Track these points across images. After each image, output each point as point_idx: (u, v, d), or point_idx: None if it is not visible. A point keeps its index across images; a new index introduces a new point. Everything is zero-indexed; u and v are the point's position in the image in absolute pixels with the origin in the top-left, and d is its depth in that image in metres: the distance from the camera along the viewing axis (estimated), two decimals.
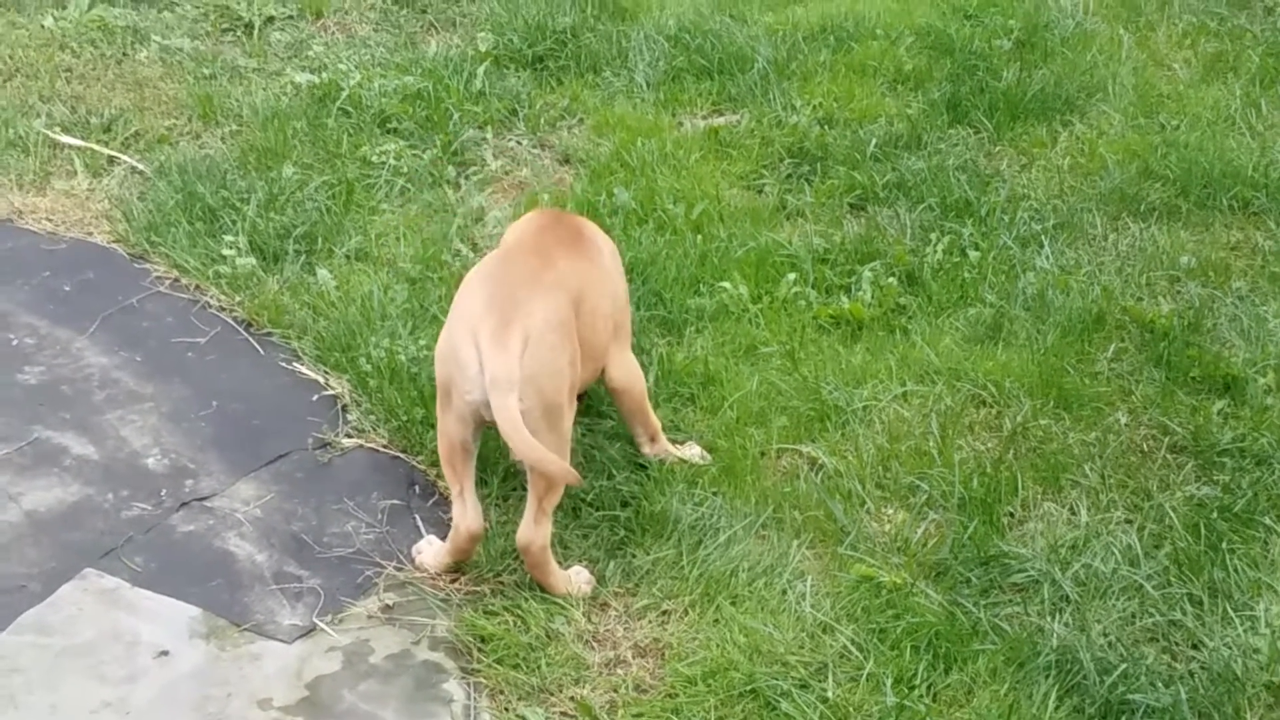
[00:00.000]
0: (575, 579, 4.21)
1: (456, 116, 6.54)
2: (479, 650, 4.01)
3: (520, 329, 3.94)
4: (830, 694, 3.83)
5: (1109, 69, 7.13)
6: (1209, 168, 6.20)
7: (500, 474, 4.55)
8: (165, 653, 3.97)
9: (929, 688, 3.87)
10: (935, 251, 5.64)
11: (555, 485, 4.07)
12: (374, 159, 6.22)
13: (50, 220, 5.86)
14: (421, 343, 5.02)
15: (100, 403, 4.91)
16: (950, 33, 7.38)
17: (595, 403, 4.78)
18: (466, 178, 6.22)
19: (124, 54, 7.10)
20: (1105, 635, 4.03)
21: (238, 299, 5.40)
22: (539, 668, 3.94)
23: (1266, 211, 6.02)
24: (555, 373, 4.01)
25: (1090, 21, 7.71)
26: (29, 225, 5.83)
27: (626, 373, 4.51)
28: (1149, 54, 7.36)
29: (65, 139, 6.33)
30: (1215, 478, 4.60)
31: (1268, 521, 4.40)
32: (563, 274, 4.19)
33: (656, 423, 4.64)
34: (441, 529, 4.38)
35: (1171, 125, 6.68)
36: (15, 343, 5.16)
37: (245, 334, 5.28)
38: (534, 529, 4.09)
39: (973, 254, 5.65)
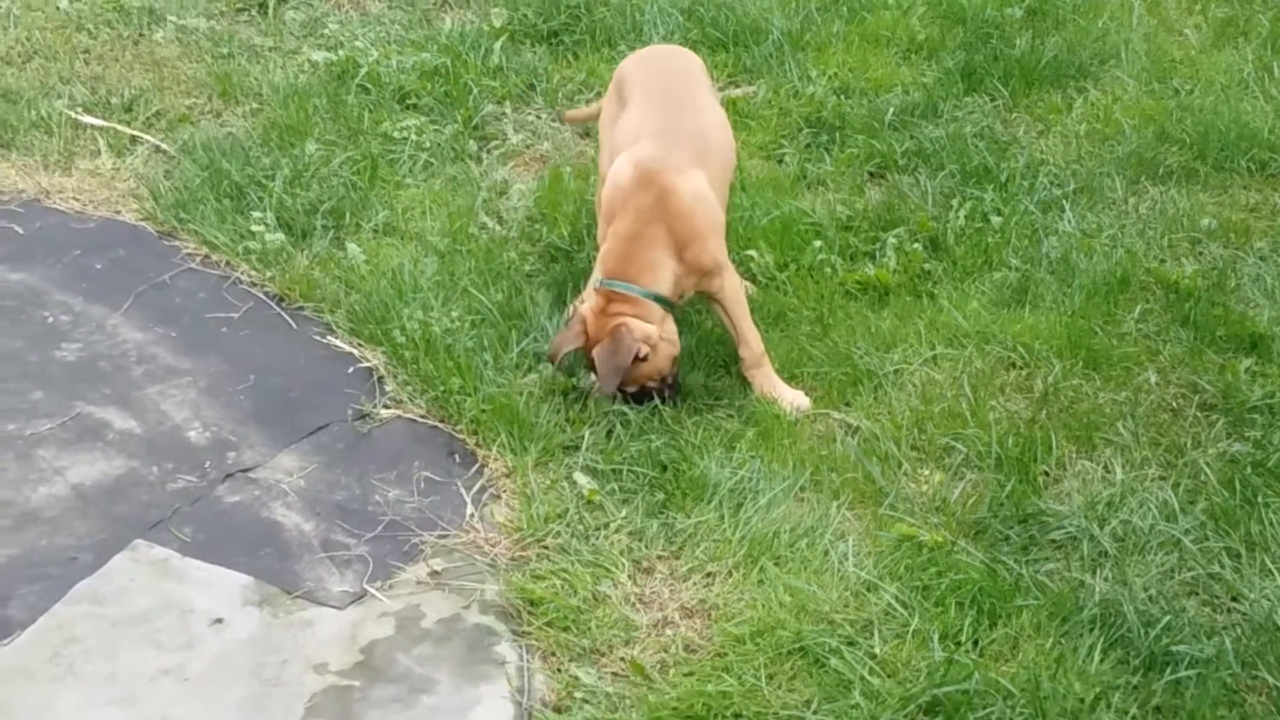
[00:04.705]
0: None
1: (475, 92, 6.57)
2: (529, 613, 4.07)
3: None
4: (878, 650, 3.89)
5: (1120, 35, 7.16)
6: (1225, 131, 6.24)
7: (538, 439, 4.62)
8: (220, 620, 4.03)
9: (975, 643, 3.93)
10: (957, 217, 5.68)
11: None
12: (395, 134, 6.25)
13: (78, 199, 5.88)
14: (454, 314, 5.07)
15: (139, 378, 4.94)
16: (962, 1, 7.40)
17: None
18: (488, 152, 6.25)
19: (140, 34, 7.10)
20: (1146, 589, 4.08)
21: (268, 274, 5.44)
22: (589, 629, 4.00)
23: None
24: None
25: None
26: (57, 204, 5.85)
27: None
28: (1159, 20, 7.39)
29: (88, 119, 6.35)
30: (1246, 434, 4.66)
31: None
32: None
33: None
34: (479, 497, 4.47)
35: (1185, 90, 6.71)
36: (51, 320, 5.19)
37: (277, 309, 5.31)
38: None
39: (995, 219, 5.69)
